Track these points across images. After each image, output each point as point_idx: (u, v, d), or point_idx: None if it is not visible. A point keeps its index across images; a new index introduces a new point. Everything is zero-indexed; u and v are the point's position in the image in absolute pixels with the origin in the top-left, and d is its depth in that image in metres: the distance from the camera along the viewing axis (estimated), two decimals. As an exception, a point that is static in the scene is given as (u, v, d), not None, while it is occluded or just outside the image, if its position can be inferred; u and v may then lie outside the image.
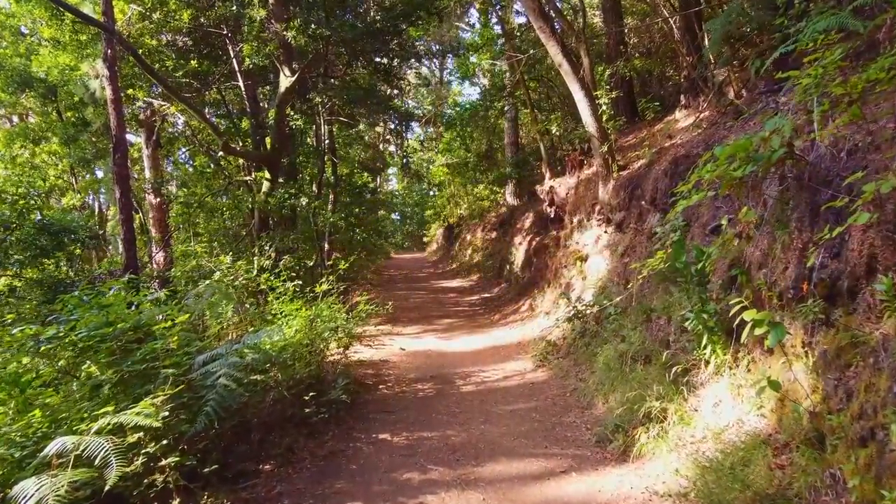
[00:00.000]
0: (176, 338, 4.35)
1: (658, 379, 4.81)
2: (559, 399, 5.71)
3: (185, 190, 14.95)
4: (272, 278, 6.65)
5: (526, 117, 20.60)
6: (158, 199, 14.72)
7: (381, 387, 6.42)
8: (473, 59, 20.75)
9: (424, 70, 31.27)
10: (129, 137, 16.60)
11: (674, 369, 4.46)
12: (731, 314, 3.49)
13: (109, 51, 9.31)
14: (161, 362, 3.91)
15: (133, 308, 4.96)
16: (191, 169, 15.85)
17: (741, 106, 7.02)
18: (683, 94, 9.82)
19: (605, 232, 8.52)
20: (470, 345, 8.67)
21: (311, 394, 4.72)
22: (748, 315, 3.37)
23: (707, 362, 4.47)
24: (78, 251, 15.20)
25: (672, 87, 11.71)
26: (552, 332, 7.75)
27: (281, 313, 5.98)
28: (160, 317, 4.74)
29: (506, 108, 18.16)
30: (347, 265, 6.83)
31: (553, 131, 9.13)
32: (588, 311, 6.96)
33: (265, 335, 4.32)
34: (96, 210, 21.74)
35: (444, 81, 31.18)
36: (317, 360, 5.22)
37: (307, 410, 4.75)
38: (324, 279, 6.60)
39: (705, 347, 4.42)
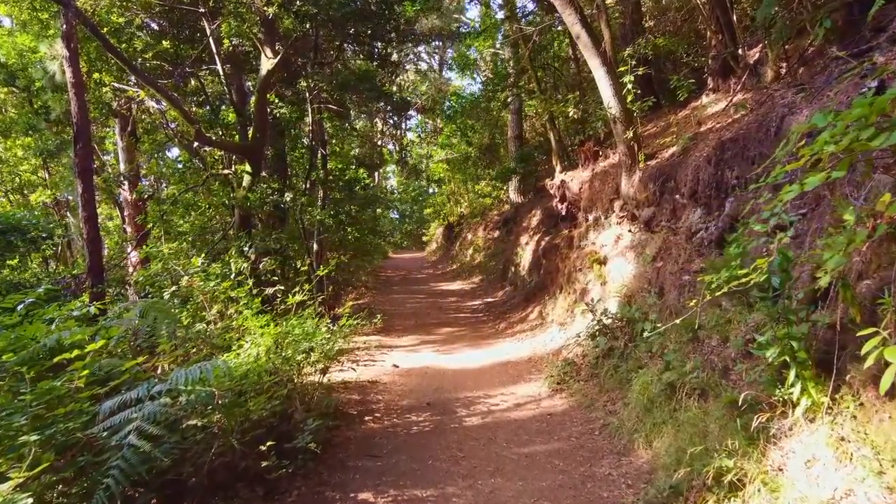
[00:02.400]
0: (86, 372, 3.25)
1: (721, 422, 3.70)
2: (586, 439, 4.59)
3: (172, 186, 13.84)
4: (238, 286, 5.53)
5: (531, 109, 19.48)
6: (134, 196, 13.64)
7: (366, 419, 5.31)
8: (474, 52, 19.68)
9: (423, 65, 30.23)
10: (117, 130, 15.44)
11: (755, 419, 3.33)
12: (865, 353, 2.41)
13: (67, 27, 8.26)
14: (49, 412, 2.79)
15: (53, 326, 3.87)
16: (180, 165, 14.75)
17: (788, 79, 5.92)
18: (711, 76, 8.72)
19: (630, 231, 7.41)
20: (473, 360, 7.56)
21: (269, 443, 3.61)
22: (892, 354, 2.27)
23: (793, 404, 3.36)
24: (48, 251, 14.11)
25: (691, 73, 10.61)
26: (572, 350, 6.64)
27: (246, 331, 4.86)
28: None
29: (509, 100, 17.04)
30: (327, 271, 5.72)
31: (570, 114, 8.00)
32: (615, 325, 5.84)
33: (201, 369, 3.20)
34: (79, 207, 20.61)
35: (444, 77, 30.07)
36: (282, 393, 4.11)
37: (264, 464, 3.64)
38: (297, 288, 5.48)
39: (792, 385, 3.31)
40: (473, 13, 24.98)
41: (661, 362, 4.76)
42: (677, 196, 6.30)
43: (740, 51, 7.89)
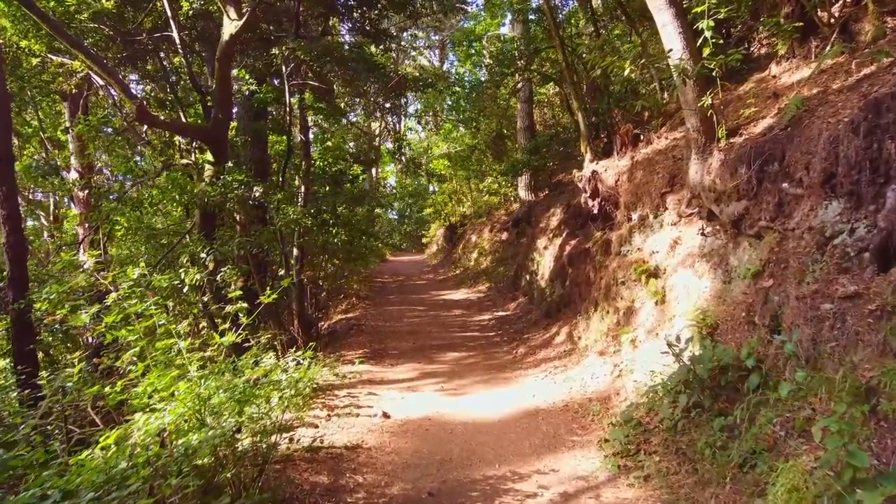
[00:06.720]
0: None
1: None
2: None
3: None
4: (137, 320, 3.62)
5: (542, 96, 17.60)
6: (86, 191, 11.75)
7: (334, 527, 3.41)
8: (475, 44, 17.83)
9: (424, 61, 28.36)
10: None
11: None
12: None
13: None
14: None
15: None
16: (134, 155, 12.84)
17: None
18: (785, 41, 6.87)
19: (701, 234, 5.51)
20: (490, 407, 5.64)
21: None
22: None
23: None
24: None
25: (738, 42, 8.75)
26: (630, 400, 4.73)
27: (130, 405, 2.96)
28: None
29: (519, 86, 15.16)
30: (274, 297, 3.82)
31: (626, 73, 6.05)
32: (705, 375, 3.94)
33: None
34: (51, 208, 18.73)
35: (444, 72, 28.23)
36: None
37: None
38: (226, 324, 3.57)
39: None
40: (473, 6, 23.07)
41: (820, 448, 2.87)
42: (786, 184, 4.40)
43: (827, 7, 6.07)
